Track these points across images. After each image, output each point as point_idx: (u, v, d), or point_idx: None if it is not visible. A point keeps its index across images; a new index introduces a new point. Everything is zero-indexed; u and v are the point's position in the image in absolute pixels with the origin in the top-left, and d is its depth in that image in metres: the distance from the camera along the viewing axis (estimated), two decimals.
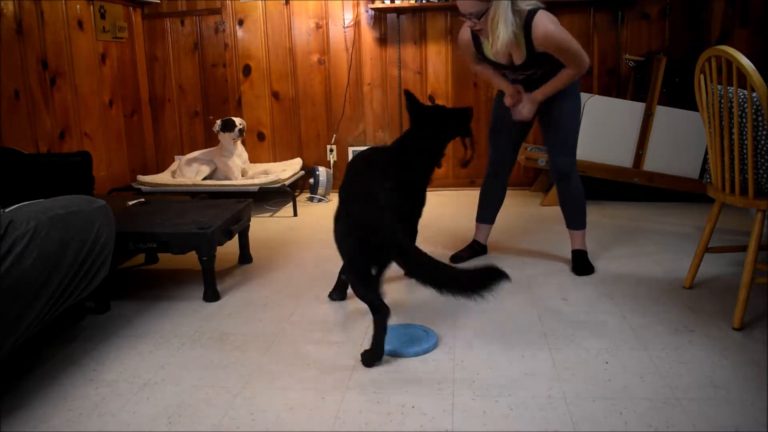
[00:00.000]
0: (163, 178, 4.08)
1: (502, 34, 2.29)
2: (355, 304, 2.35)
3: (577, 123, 2.59)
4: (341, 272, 2.37)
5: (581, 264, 2.64)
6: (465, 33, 2.51)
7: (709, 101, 2.14)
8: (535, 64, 2.42)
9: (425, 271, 1.77)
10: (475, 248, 2.86)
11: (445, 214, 3.76)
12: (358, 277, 1.89)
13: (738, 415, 1.54)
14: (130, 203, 2.85)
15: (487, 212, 2.86)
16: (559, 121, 2.55)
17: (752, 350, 1.88)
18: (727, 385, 1.68)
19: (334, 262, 2.87)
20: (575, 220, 2.70)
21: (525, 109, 2.52)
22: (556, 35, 2.30)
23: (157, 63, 4.51)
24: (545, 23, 2.29)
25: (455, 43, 4.25)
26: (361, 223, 1.85)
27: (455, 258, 2.78)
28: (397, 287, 2.51)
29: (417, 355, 1.91)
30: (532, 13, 2.30)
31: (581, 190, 2.65)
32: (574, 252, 2.70)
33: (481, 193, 2.88)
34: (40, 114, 3.37)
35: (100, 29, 3.88)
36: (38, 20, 3.35)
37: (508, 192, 2.88)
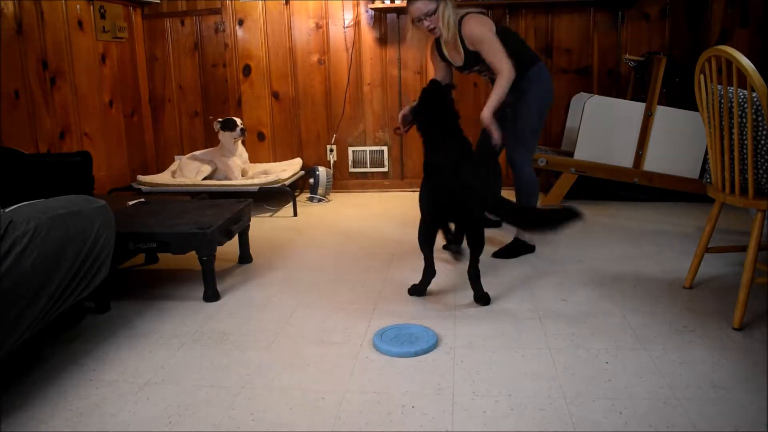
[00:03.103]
0: (163, 178, 4.08)
1: (451, 27, 2.62)
2: (356, 304, 2.35)
3: (530, 123, 2.77)
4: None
5: (510, 249, 2.85)
6: (431, 41, 2.82)
7: (709, 101, 2.14)
8: (473, 62, 2.71)
9: (511, 213, 2.32)
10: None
11: None
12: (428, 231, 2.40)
13: (738, 415, 1.54)
14: (130, 203, 2.85)
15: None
16: (513, 119, 2.77)
17: (752, 350, 1.88)
18: (727, 385, 1.68)
19: (334, 262, 2.88)
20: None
21: (485, 116, 2.65)
22: (477, 32, 2.60)
23: (157, 63, 4.51)
24: (471, 23, 2.61)
25: None
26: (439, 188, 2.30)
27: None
28: (398, 286, 2.52)
29: (417, 355, 1.91)
30: (462, 17, 2.63)
31: (531, 180, 2.81)
32: (515, 239, 2.88)
33: None
34: (40, 114, 3.37)
35: (100, 29, 3.88)
36: (38, 20, 3.35)
37: (508, 192, 2.89)
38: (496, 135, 2.62)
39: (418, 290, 2.42)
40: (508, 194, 2.54)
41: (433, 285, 2.52)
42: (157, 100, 4.57)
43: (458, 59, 2.75)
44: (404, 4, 4.08)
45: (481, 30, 2.61)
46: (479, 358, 1.88)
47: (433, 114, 2.54)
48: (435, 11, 2.59)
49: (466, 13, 2.65)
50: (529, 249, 2.92)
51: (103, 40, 3.94)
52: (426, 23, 2.63)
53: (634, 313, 2.20)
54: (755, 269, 2.05)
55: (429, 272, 2.41)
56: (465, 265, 2.77)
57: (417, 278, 2.61)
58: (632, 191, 3.86)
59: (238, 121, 4.01)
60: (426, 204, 2.35)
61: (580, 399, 1.64)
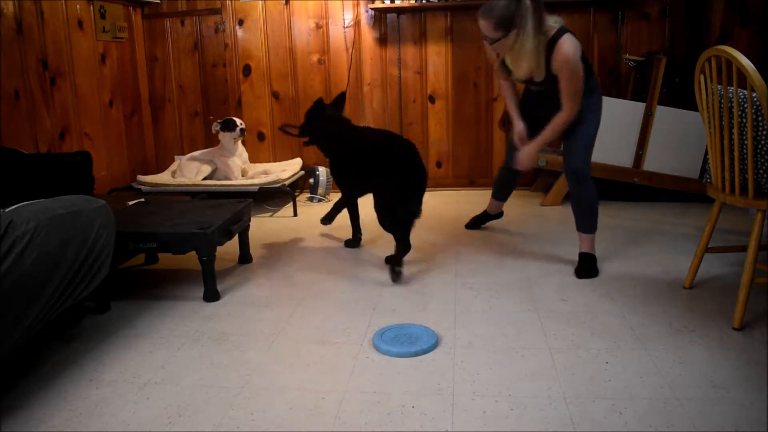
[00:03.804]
0: (163, 178, 4.08)
1: (524, 66, 2.44)
2: (356, 304, 2.35)
3: (595, 126, 2.56)
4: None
5: (584, 266, 2.62)
6: (486, 47, 2.53)
7: (709, 101, 2.14)
8: (552, 84, 2.45)
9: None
10: (483, 217, 3.35)
11: (444, 213, 3.76)
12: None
13: (738, 415, 1.54)
14: (130, 203, 2.85)
15: (500, 192, 3.23)
16: (576, 123, 2.51)
17: (752, 350, 1.88)
18: (727, 385, 1.68)
19: (334, 262, 2.88)
20: (585, 223, 2.65)
21: (524, 158, 2.63)
22: (573, 63, 2.34)
23: (157, 63, 4.51)
24: (568, 48, 2.33)
25: (455, 43, 4.26)
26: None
27: (468, 224, 3.39)
28: (398, 286, 2.52)
29: (417, 355, 1.91)
30: (559, 33, 2.34)
31: (594, 193, 2.62)
32: (581, 254, 2.68)
33: (495, 180, 3.25)
34: (40, 114, 3.37)
35: (100, 29, 3.88)
36: (38, 20, 3.35)
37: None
38: (526, 162, 2.64)
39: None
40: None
41: (433, 285, 2.53)
42: (157, 100, 4.57)
43: (536, 75, 2.49)
44: (404, 4, 4.13)
45: (576, 59, 2.34)
46: (479, 358, 1.88)
47: (319, 127, 2.92)
48: (498, 40, 2.35)
49: (560, 30, 2.35)
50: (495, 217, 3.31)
51: (103, 40, 3.94)
52: (489, 44, 2.42)
53: (634, 313, 2.20)
54: (755, 269, 2.05)
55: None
56: (465, 265, 2.78)
57: (417, 278, 2.62)
58: (632, 191, 3.86)
59: (238, 121, 4.01)
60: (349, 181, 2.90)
61: (580, 399, 1.64)
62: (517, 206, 3.85)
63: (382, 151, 2.67)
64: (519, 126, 2.70)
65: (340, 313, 2.27)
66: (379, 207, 2.62)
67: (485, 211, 3.35)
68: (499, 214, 3.37)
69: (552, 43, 2.36)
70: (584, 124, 2.53)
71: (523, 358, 1.88)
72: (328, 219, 3.19)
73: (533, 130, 2.65)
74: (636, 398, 1.63)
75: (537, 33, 2.33)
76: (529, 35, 2.31)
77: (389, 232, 2.63)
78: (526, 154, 2.62)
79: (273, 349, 1.99)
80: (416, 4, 4.10)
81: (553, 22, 2.37)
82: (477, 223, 3.37)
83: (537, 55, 2.38)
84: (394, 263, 2.55)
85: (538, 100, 2.66)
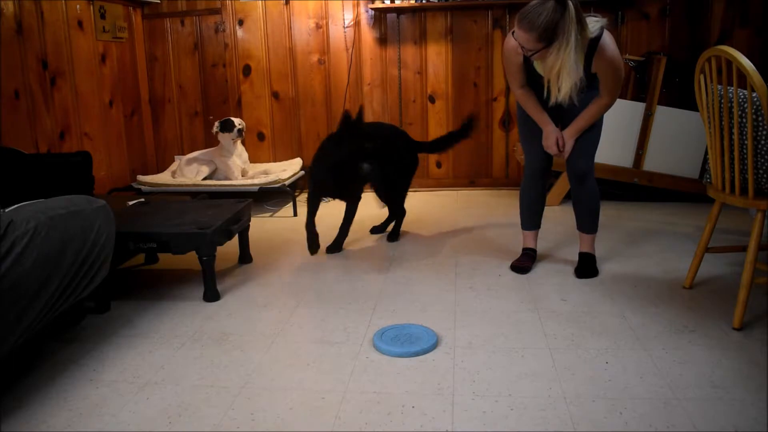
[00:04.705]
0: (163, 178, 4.08)
1: (564, 85, 2.20)
2: (356, 304, 2.35)
3: (599, 127, 2.51)
4: None
5: (584, 266, 2.62)
6: (512, 43, 2.29)
7: (709, 101, 2.14)
8: (585, 82, 2.30)
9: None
10: (532, 255, 2.77)
11: (444, 213, 3.76)
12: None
13: (738, 415, 1.54)
14: (130, 203, 2.85)
15: (532, 219, 2.78)
16: (589, 129, 2.47)
17: (752, 350, 1.88)
18: (727, 385, 1.68)
19: (333, 262, 2.88)
20: (586, 224, 2.64)
21: (565, 147, 2.49)
22: (617, 61, 2.27)
23: (157, 63, 4.51)
24: (612, 48, 2.25)
25: (455, 43, 4.26)
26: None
27: (522, 269, 2.66)
28: (398, 286, 2.52)
29: (417, 355, 1.91)
30: (599, 35, 2.23)
31: (597, 194, 2.59)
32: (581, 254, 2.67)
33: (521, 202, 2.78)
34: (40, 114, 3.37)
35: (100, 29, 3.88)
36: (38, 20, 3.35)
37: (508, 192, 2.89)
38: (567, 151, 2.50)
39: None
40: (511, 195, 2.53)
41: (433, 285, 2.53)
42: (157, 100, 4.57)
43: (575, 83, 2.28)
44: (404, 4, 4.13)
45: (619, 57, 2.27)
46: (479, 358, 1.88)
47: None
48: (537, 52, 2.16)
49: (601, 29, 2.23)
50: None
51: (103, 40, 3.94)
52: (524, 51, 2.22)
53: (634, 313, 2.20)
54: (755, 269, 2.05)
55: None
56: (465, 265, 2.78)
57: (417, 278, 2.61)
58: (632, 191, 3.86)
59: (236, 121, 4.01)
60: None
61: (580, 399, 1.64)
62: (518, 206, 3.84)
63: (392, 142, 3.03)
64: (550, 127, 2.49)
65: (340, 313, 2.27)
66: (401, 188, 3.16)
67: (528, 248, 2.81)
68: (533, 252, 2.81)
69: (593, 42, 2.22)
70: (596, 129, 2.50)
71: (523, 358, 1.88)
72: (336, 248, 3.04)
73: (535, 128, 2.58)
74: (636, 398, 1.63)
75: (579, 45, 2.14)
76: (572, 48, 2.11)
77: (401, 206, 3.22)
78: (569, 145, 2.47)
79: (273, 349, 1.99)
80: (416, 4, 4.10)
81: (594, 22, 2.22)
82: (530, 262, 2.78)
83: (577, 68, 2.17)
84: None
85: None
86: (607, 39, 2.25)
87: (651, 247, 2.99)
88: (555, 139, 2.50)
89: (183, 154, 4.44)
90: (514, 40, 2.22)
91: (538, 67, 2.36)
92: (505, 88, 4.28)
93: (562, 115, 2.51)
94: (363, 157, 2.72)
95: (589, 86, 2.33)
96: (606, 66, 2.28)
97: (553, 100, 2.32)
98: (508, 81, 2.55)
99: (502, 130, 4.34)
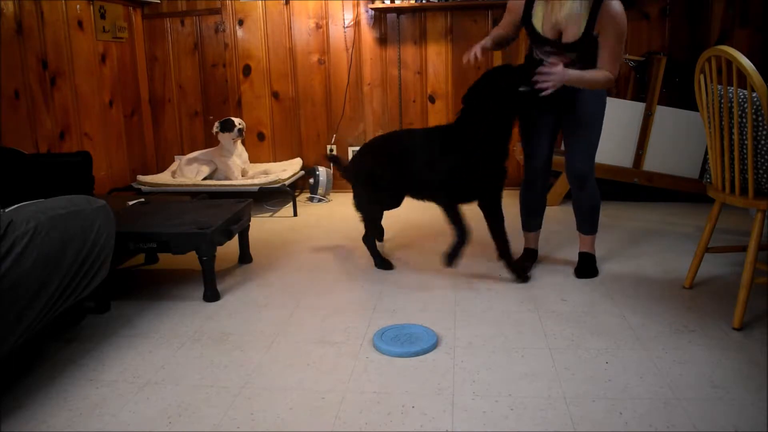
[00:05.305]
0: (163, 178, 4.08)
1: (564, 10, 2.25)
2: (356, 304, 2.35)
3: (599, 128, 2.49)
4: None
5: (584, 266, 2.62)
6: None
7: (709, 101, 2.14)
8: (580, 47, 2.30)
9: None
10: (533, 255, 2.78)
11: None
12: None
13: (738, 415, 1.54)
14: (130, 203, 2.85)
15: (533, 220, 2.77)
16: (581, 124, 2.45)
17: (752, 350, 1.88)
18: (727, 385, 1.68)
19: (333, 262, 2.88)
20: (586, 225, 2.63)
21: (553, 78, 2.23)
22: (621, 22, 2.23)
23: (157, 63, 4.51)
24: (620, 7, 2.23)
25: (455, 43, 4.26)
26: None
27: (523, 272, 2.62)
28: (398, 286, 2.52)
29: (417, 355, 1.91)
30: None
31: (597, 195, 2.58)
32: (581, 254, 2.67)
33: (521, 203, 2.77)
34: (40, 114, 3.37)
35: (100, 29, 3.88)
36: (38, 20, 3.35)
37: (508, 192, 2.87)
38: (553, 83, 2.22)
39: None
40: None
41: (433, 285, 2.53)
42: (157, 100, 4.57)
43: (570, 35, 2.30)
44: (404, 4, 4.13)
45: (624, 20, 2.24)
46: (479, 358, 1.88)
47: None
48: None
49: None
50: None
51: (103, 40, 3.94)
52: None
53: (634, 313, 2.20)
54: (755, 269, 2.05)
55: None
56: (465, 265, 2.78)
57: (417, 277, 2.62)
58: (632, 191, 3.86)
59: (236, 121, 4.01)
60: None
61: (580, 399, 1.63)
62: (517, 206, 3.84)
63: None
64: (482, 44, 2.43)
65: (340, 313, 2.27)
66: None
67: (531, 251, 2.81)
68: (534, 252, 2.81)
69: (597, 1, 2.23)
70: (590, 126, 2.47)
71: (523, 358, 1.88)
72: (387, 264, 2.79)
73: (542, 141, 2.56)
74: (636, 398, 1.63)
75: None
76: None
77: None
78: (561, 75, 2.22)
79: (273, 349, 1.99)
80: (416, 4, 4.10)
81: None
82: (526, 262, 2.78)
83: (581, 6, 2.22)
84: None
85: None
86: (616, 4, 2.23)
87: (651, 247, 2.99)
88: (474, 50, 2.41)
89: (183, 154, 4.44)
90: None
91: (537, 18, 2.36)
92: None
93: (564, 109, 2.47)
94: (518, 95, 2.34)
95: (584, 63, 2.32)
96: (606, 23, 2.23)
97: (542, 21, 2.33)
98: (496, 29, 2.55)
99: None
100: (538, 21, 2.37)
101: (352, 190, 2.81)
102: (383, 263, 2.77)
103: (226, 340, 2.07)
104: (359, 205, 2.78)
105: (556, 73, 2.21)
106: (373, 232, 2.83)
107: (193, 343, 2.05)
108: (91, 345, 2.04)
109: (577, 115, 2.45)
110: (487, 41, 2.49)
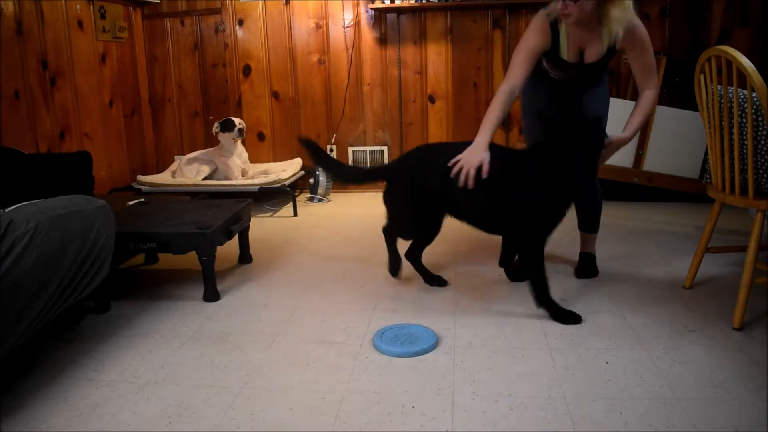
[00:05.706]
0: (163, 178, 4.08)
1: (615, 25, 2.19)
2: (356, 304, 2.35)
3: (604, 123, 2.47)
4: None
5: (585, 266, 2.62)
6: (542, 23, 2.26)
7: (709, 101, 2.14)
8: (603, 66, 2.33)
9: None
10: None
11: None
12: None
13: (738, 415, 1.54)
14: (130, 203, 2.85)
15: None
16: None
17: (752, 350, 1.88)
18: (727, 385, 1.68)
19: (333, 262, 2.88)
20: (587, 223, 2.64)
21: (612, 149, 2.30)
22: (644, 33, 2.26)
23: (157, 63, 4.51)
24: (644, 29, 2.26)
25: (455, 43, 4.26)
26: None
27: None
28: (398, 286, 2.52)
29: (417, 355, 1.91)
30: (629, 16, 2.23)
31: (599, 194, 2.59)
32: (581, 254, 2.67)
33: None
34: (40, 114, 3.37)
35: (100, 29, 3.88)
36: (38, 20, 3.35)
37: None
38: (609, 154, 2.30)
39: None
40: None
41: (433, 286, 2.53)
42: (157, 100, 4.57)
43: (593, 55, 2.29)
44: (404, 4, 4.13)
45: (645, 31, 2.26)
46: (479, 358, 1.88)
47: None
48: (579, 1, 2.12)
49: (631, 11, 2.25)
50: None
51: (103, 40, 3.94)
52: (563, 5, 2.15)
53: (634, 313, 2.20)
54: (755, 269, 2.05)
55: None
56: (465, 265, 2.78)
57: (417, 278, 2.61)
58: (632, 191, 3.86)
59: (236, 121, 4.01)
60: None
61: (580, 399, 1.63)
62: None
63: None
64: (484, 151, 2.23)
65: (340, 313, 2.27)
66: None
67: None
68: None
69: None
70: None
71: (523, 358, 1.88)
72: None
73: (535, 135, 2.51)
74: (636, 398, 1.63)
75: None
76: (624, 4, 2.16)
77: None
78: (618, 144, 2.28)
79: (273, 349, 1.99)
80: (416, 4, 4.10)
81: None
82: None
83: (618, 26, 2.19)
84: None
85: (549, 99, 2.46)
86: (638, 21, 2.25)
87: (651, 247, 2.99)
88: (478, 162, 2.16)
89: (183, 154, 4.44)
90: (544, 19, 2.24)
91: (563, 45, 2.28)
92: None
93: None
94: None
95: (599, 81, 2.37)
96: (635, 41, 2.24)
97: (575, 46, 2.27)
98: (508, 72, 2.31)
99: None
100: (564, 47, 2.30)
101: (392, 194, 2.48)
102: (395, 266, 2.55)
103: (226, 340, 2.07)
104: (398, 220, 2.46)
105: (624, 140, 2.28)
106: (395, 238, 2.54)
107: (193, 343, 2.05)
108: (91, 345, 2.04)
109: (591, 105, 2.44)
110: (487, 136, 2.27)
